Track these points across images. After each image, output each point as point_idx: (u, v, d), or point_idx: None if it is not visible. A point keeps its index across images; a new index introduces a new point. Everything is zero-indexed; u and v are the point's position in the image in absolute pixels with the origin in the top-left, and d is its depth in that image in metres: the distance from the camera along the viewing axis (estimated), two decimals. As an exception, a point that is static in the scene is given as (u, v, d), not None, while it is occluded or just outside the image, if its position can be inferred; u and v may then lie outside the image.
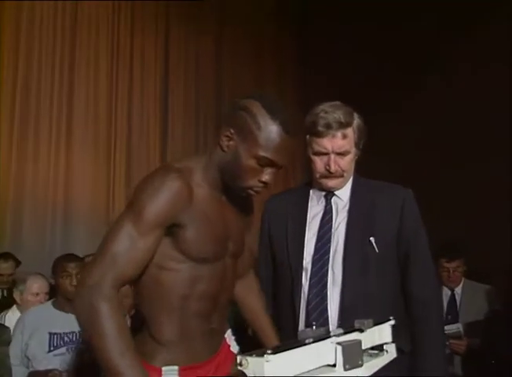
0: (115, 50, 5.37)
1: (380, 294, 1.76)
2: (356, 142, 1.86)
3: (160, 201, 1.33)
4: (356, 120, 1.85)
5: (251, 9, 6.35)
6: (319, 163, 1.84)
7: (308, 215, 1.92)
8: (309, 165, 1.91)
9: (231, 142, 1.44)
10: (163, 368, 1.41)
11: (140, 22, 5.62)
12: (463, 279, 3.75)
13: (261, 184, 1.46)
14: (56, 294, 3.00)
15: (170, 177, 1.36)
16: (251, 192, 1.49)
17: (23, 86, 4.67)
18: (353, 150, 1.86)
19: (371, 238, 1.79)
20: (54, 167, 4.82)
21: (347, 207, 1.88)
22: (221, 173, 1.48)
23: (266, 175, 1.45)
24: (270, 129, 1.39)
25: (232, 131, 1.43)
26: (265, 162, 1.42)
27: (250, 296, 1.83)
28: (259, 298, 1.85)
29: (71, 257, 3.03)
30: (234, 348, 1.66)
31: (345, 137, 1.80)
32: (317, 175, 1.87)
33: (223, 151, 1.46)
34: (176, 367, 1.42)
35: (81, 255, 3.75)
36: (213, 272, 1.48)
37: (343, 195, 1.91)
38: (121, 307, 1.32)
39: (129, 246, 1.31)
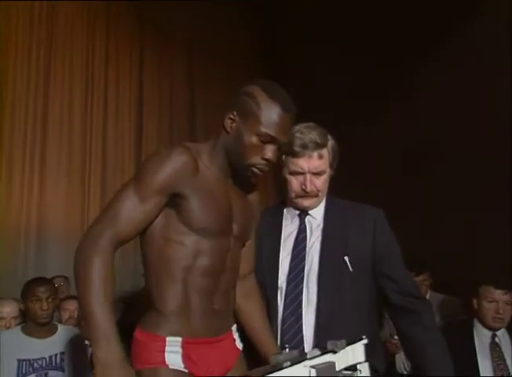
0: (90, 80, 5.33)
1: (355, 313, 1.74)
2: (331, 162, 1.88)
3: (163, 169, 1.41)
4: (331, 141, 1.88)
5: (221, 39, 6.41)
6: (295, 183, 1.85)
7: (282, 234, 1.91)
8: (283, 184, 1.91)
9: (234, 124, 1.52)
10: (167, 338, 1.45)
11: (115, 54, 5.60)
12: (429, 291, 3.83)
13: (263, 162, 1.52)
14: (25, 319, 2.88)
15: (177, 151, 1.45)
16: (255, 170, 1.54)
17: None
18: (328, 170, 1.87)
19: (345, 257, 1.78)
20: (28, 193, 4.71)
21: (321, 226, 1.87)
22: (226, 155, 1.55)
23: (268, 152, 1.51)
24: (270, 108, 1.48)
25: (234, 113, 1.52)
26: (266, 139, 1.50)
27: (250, 303, 1.77)
28: (260, 306, 1.78)
29: (41, 281, 2.92)
30: (239, 345, 1.66)
31: (321, 157, 1.82)
32: (293, 195, 1.87)
33: (227, 133, 1.54)
34: (179, 339, 1.46)
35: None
36: (216, 247, 1.51)
37: (317, 215, 1.91)
38: (113, 263, 1.38)
39: (130, 208, 1.40)
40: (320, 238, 1.85)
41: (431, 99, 4.48)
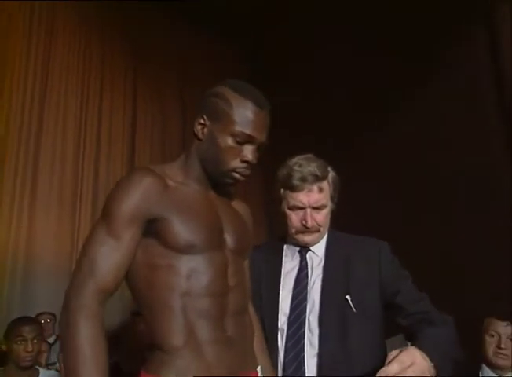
0: (84, 111, 5.28)
1: (361, 355, 1.61)
2: (332, 195, 1.79)
3: (128, 197, 1.29)
4: (331, 173, 1.80)
5: (214, 68, 6.39)
6: (294, 218, 1.75)
7: (282, 271, 1.80)
8: (283, 220, 1.81)
9: (205, 129, 1.41)
10: None
11: (110, 85, 5.57)
12: None
13: (244, 165, 1.40)
14: (6, 362, 2.70)
15: (137, 174, 1.33)
16: (236, 175, 1.41)
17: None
18: (329, 204, 1.79)
19: (347, 296, 1.66)
20: (17, 224, 4.56)
21: (322, 263, 1.77)
22: (202, 164, 1.44)
23: (247, 153, 1.39)
24: (242, 106, 1.37)
25: (204, 117, 1.41)
26: (242, 139, 1.38)
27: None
28: (261, 340, 1.60)
29: (26, 320, 2.75)
30: None
31: (321, 190, 1.74)
32: (293, 230, 1.77)
33: (199, 140, 1.43)
34: None
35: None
36: (209, 263, 1.35)
37: (318, 251, 1.81)
38: (101, 321, 1.23)
39: (105, 251, 1.26)
40: (320, 276, 1.73)
41: (431, 115, 4.45)
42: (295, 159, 1.75)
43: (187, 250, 1.33)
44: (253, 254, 1.77)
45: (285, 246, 1.87)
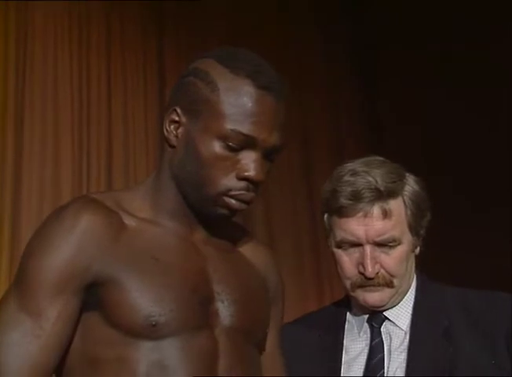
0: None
1: None
2: (411, 223, 1.26)
3: (54, 250, 0.96)
4: (411, 186, 1.27)
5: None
6: (347, 262, 1.25)
7: (343, 358, 1.28)
8: (335, 265, 1.31)
9: (180, 129, 1.05)
10: None
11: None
12: None
13: (242, 184, 1.02)
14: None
15: (71, 209, 1.00)
16: (232, 203, 1.02)
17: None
18: (407, 237, 1.26)
19: None
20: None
21: (407, 341, 1.24)
22: (179, 187, 1.06)
23: (248, 164, 1.01)
24: (235, 87, 1.01)
25: (178, 111, 1.04)
26: (237, 142, 1.01)
27: None
28: None
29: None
30: None
31: (387, 214, 1.23)
32: (347, 283, 1.27)
33: (172, 147, 1.06)
34: None
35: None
36: (186, 353, 0.98)
37: (401, 320, 1.27)
38: None
39: (16, 338, 0.93)
40: (404, 364, 1.21)
41: None
42: (350, 165, 1.28)
43: (146, 331, 0.95)
44: (299, 322, 1.41)
45: (348, 314, 1.35)
